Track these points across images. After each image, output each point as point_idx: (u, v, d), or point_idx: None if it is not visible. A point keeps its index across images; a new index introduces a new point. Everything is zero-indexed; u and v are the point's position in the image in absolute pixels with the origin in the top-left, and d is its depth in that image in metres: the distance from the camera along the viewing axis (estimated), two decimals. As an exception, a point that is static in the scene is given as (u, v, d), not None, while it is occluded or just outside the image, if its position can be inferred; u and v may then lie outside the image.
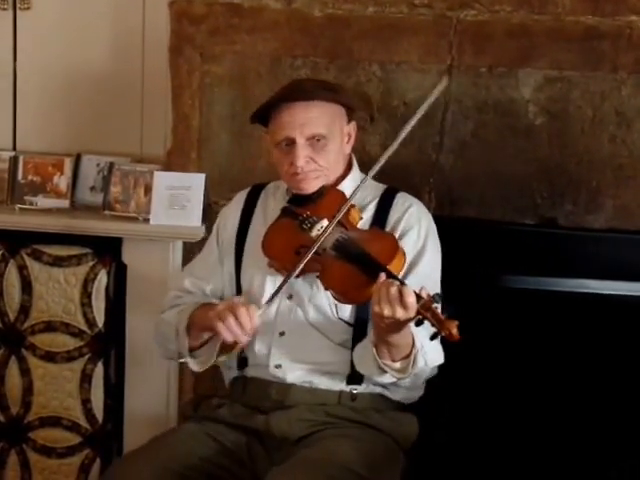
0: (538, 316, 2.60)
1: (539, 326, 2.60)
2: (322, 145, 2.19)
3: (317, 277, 2.10)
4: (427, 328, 1.92)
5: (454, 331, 1.81)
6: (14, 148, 3.02)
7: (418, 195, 2.65)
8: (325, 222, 2.12)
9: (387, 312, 1.91)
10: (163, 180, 2.78)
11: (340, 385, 2.21)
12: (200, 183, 2.76)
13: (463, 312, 2.58)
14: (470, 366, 2.61)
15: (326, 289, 2.09)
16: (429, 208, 2.64)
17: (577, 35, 2.57)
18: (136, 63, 2.92)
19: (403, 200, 2.28)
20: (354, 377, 2.20)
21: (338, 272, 2.04)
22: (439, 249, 2.27)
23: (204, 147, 2.80)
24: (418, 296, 1.89)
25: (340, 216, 2.11)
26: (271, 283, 2.21)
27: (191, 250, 2.81)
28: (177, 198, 2.76)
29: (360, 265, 2.01)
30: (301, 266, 2.07)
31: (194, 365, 2.23)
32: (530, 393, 2.63)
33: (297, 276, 2.12)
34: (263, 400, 2.23)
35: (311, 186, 2.21)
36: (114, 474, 2.16)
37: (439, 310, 1.87)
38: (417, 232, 2.22)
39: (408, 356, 2.05)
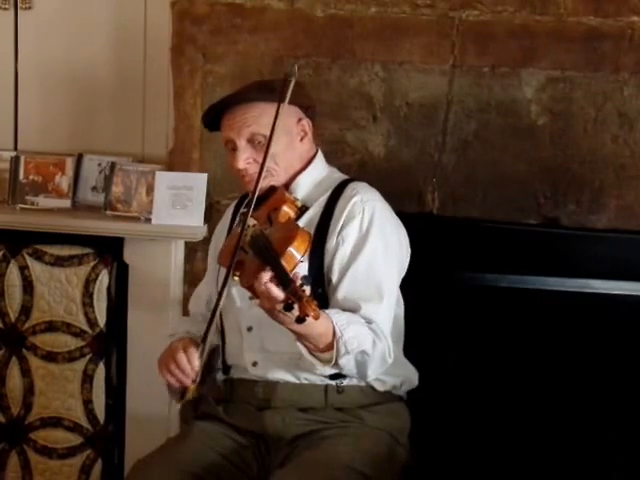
0: (541, 316, 2.60)
1: (542, 326, 2.60)
2: (264, 145, 2.16)
3: (238, 277, 2.07)
4: (348, 317, 2.02)
5: (311, 314, 1.84)
6: (15, 148, 3.01)
7: (421, 195, 2.68)
8: (252, 220, 2.11)
9: (263, 306, 1.94)
10: (165, 180, 2.77)
11: (324, 377, 2.18)
12: (202, 183, 2.76)
13: (465, 312, 2.63)
14: (474, 366, 2.62)
15: (243, 287, 2.06)
16: (432, 208, 2.68)
17: (579, 36, 2.58)
18: (138, 63, 2.91)
19: (350, 190, 2.23)
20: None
21: (249, 269, 2.02)
22: (388, 239, 2.20)
23: (206, 147, 2.80)
24: (286, 281, 1.87)
25: (252, 212, 2.09)
26: (235, 288, 2.21)
27: (193, 250, 2.82)
28: (179, 198, 2.76)
29: (262, 258, 1.97)
30: (232, 267, 2.05)
31: (172, 399, 2.26)
32: (534, 392, 2.63)
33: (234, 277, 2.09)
34: (251, 400, 2.23)
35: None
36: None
37: (307, 292, 1.86)
38: (359, 222, 2.17)
39: (333, 344, 2.02)
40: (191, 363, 2.13)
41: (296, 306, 1.85)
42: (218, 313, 2.16)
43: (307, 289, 1.86)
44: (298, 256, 1.97)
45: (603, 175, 2.62)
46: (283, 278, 1.88)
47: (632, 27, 2.56)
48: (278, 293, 1.87)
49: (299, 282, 1.87)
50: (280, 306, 1.88)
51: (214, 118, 2.27)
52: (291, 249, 1.96)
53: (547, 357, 2.61)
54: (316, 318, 1.85)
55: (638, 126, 2.59)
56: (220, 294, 2.11)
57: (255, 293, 1.95)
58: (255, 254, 2.01)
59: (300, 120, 2.25)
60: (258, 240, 2.03)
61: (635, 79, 2.58)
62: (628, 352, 2.59)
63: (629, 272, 2.58)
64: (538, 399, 2.63)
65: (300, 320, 1.85)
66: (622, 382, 2.61)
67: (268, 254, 1.95)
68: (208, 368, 2.30)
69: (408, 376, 2.33)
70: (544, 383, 2.62)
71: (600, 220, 2.63)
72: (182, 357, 2.14)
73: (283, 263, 1.92)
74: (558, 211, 2.64)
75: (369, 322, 2.09)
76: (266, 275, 1.89)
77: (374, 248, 2.17)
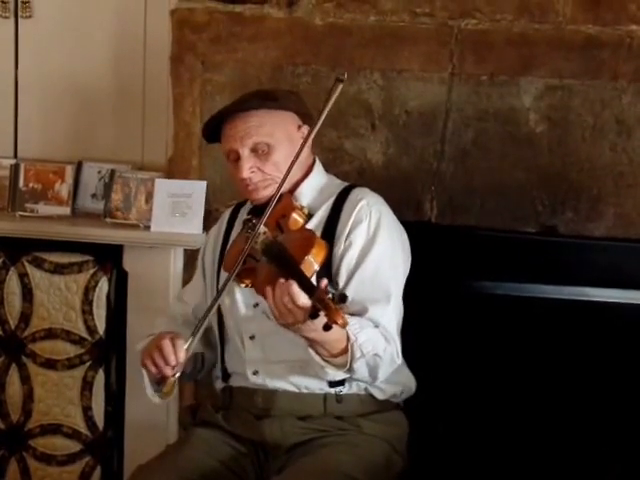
0: (539, 324, 2.61)
1: (539, 334, 2.60)
2: (267, 153, 2.18)
3: (249, 284, 2.05)
4: (360, 320, 2.01)
5: (340, 321, 1.80)
6: (15, 155, 3.02)
7: (419, 203, 2.68)
8: (262, 228, 2.09)
9: (281, 318, 1.93)
10: (164, 187, 2.78)
11: (323, 386, 2.18)
12: (201, 190, 2.77)
13: (463, 320, 2.63)
14: (472, 373, 2.62)
15: (259, 294, 2.04)
16: (430, 216, 2.69)
17: (578, 44, 2.58)
18: (137, 71, 2.92)
19: (356, 195, 2.23)
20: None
21: (263, 277, 1.99)
22: (395, 242, 2.22)
23: (205, 154, 2.80)
24: (311, 289, 1.86)
25: (264, 220, 2.07)
26: (240, 295, 2.22)
27: (192, 257, 2.82)
28: (178, 205, 2.77)
29: (279, 266, 1.95)
30: (236, 271, 2.02)
31: (153, 397, 2.23)
32: (531, 398, 2.63)
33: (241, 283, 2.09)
34: (250, 408, 2.23)
35: (262, 195, 2.19)
36: None
37: (332, 299, 1.83)
38: (367, 225, 2.18)
39: (347, 349, 2.02)
40: (176, 353, 2.07)
41: (322, 313, 1.81)
42: (212, 312, 2.11)
43: (331, 296, 1.83)
44: (316, 265, 1.94)
45: (601, 183, 2.62)
46: (307, 285, 1.85)
47: (631, 35, 2.56)
48: (306, 301, 1.85)
49: (324, 289, 1.83)
50: (305, 315, 1.85)
51: (213, 129, 2.28)
52: (309, 257, 1.93)
53: (544, 365, 2.61)
54: (344, 326, 1.82)
55: (636, 134, 2.60)
56: (218, 295, 2.09)
57: (271, 303, 1.93)
58: (270, 262, 1.98)
59: (300, 127, 2.26)
60: (272, 247, 2.02)
61: (633, 87, 2.58)
62: (625, 360, 2.59)
63: (626, 280, 2.57)
64: (535, 405, 2.63)
65: (327, 328, 1.82)
66: (619, 389, 2.61)
67: (287, 262, 1.93)
68: (189, 375, 2.29)
69: (407, 384, 2.34)
70: (541, 390, 2.62)
71: (598, 228, 2.63)
72: (167, 344, 2.08)
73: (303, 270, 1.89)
74: (556, 219, 2.64)
75: (376, 325, 2.09)
76: (290, 284, 1.87)
77: (381, 251, 2.17)
